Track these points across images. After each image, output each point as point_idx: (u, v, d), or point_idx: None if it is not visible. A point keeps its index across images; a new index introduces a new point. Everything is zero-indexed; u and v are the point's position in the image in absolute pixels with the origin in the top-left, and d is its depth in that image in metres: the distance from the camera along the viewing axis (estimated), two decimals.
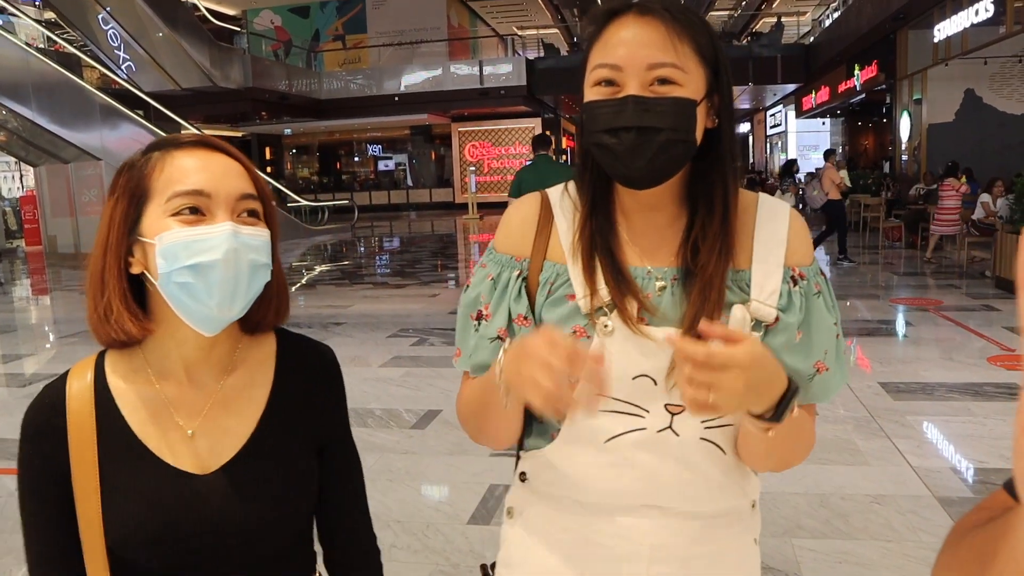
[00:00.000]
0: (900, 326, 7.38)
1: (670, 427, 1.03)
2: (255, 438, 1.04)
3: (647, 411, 1.03)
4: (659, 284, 1.05)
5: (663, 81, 0.98)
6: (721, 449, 1.06)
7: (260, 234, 0.99)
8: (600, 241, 1.07)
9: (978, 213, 10.70)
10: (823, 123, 27.34)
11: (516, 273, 1.10)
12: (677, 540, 1.08)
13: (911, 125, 16.38)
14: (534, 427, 1.14)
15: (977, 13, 12.14)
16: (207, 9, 23.61)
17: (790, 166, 13.78)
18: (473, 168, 26.97)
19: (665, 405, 1.03)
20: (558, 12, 30.97)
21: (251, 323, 1.08)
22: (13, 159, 19.72)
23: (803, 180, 12.27)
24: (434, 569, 3.03)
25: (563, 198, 1.14)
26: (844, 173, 12.75)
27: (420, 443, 4.41)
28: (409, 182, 30.91)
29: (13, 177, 21.72)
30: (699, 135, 1.02)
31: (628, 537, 1.08)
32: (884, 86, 17.64)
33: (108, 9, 18.28)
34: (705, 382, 0.84)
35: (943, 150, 15.07)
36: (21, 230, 19.55)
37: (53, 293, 12.13)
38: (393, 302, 9.72)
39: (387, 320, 8.25)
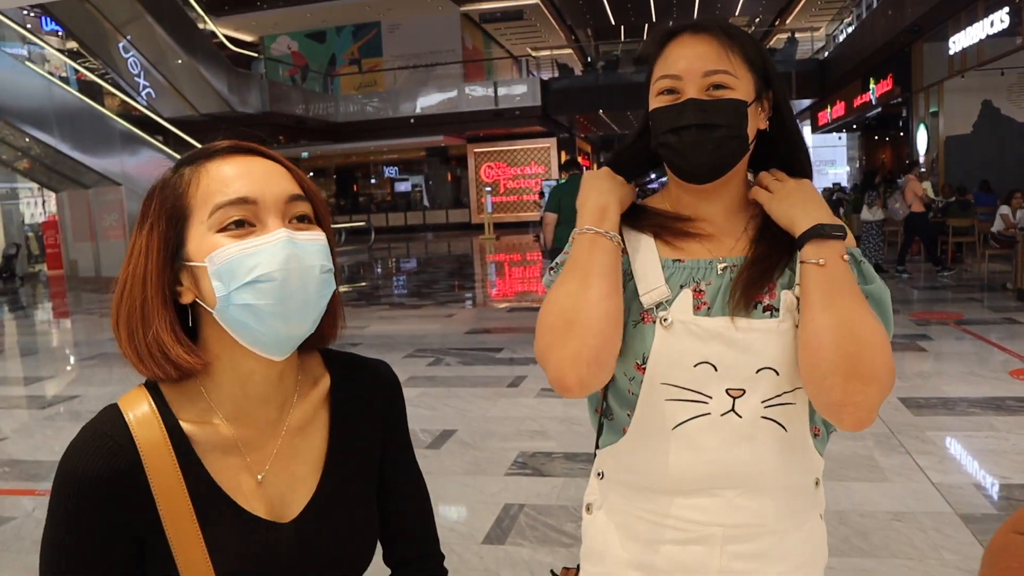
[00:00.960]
0: (921, 341, 7.30)
1: (732, 410, 1.10)
2: (325, 478, 0.97)
3: (710, 396, 1.10)
4: (720, 268, 1.14)
5: (718, 86, 1.11)
6: (783, 427, 1.11)
7: (318, 238, 0.89)
8: (647, 239, 1.18)
9: (997, 225, 10.59)
10: (839, 138, 27.26)
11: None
12: (748, 519, 1.13)
13: (928, 138, 16.30)
14: (605, 425, 1.21)
15: (992, 24, 12.10)
16: (225, 36, 23.95)
17: (872, 177, 13.38)
18: (489, 189, 27.08)
19: (726, 389, 1.09)
20: (572, 33, 31.16)
21: (310, 341, 0.96)
22: (36, 185, 20.01)
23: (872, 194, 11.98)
24: None
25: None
26: (927, 185, 12.55)
27: (436, 463, 4.40)
28: (425, 203, 31.06)
29: (36, 203, 22.04)
30: (751, 133, 1.14)
31: (701, 520, 1.14)
32: (900, 99, 17.59)
33: (129, 38, 18.61)
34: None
35: (961, 162, 14.98)
36: (43, 255, 19.82)
37: (74, 316, 12.26)
38: (410, 323, 9.74)
39: (403, 340, 8.26)
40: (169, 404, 0.90)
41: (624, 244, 1.17)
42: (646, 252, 1.17)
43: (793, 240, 1.11)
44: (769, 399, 1.09)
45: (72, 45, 20.00)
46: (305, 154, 29.55)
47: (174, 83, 19.54)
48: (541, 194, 22.67)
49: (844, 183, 25.56)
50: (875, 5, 17.77)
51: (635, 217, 1.21)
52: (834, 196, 22.18)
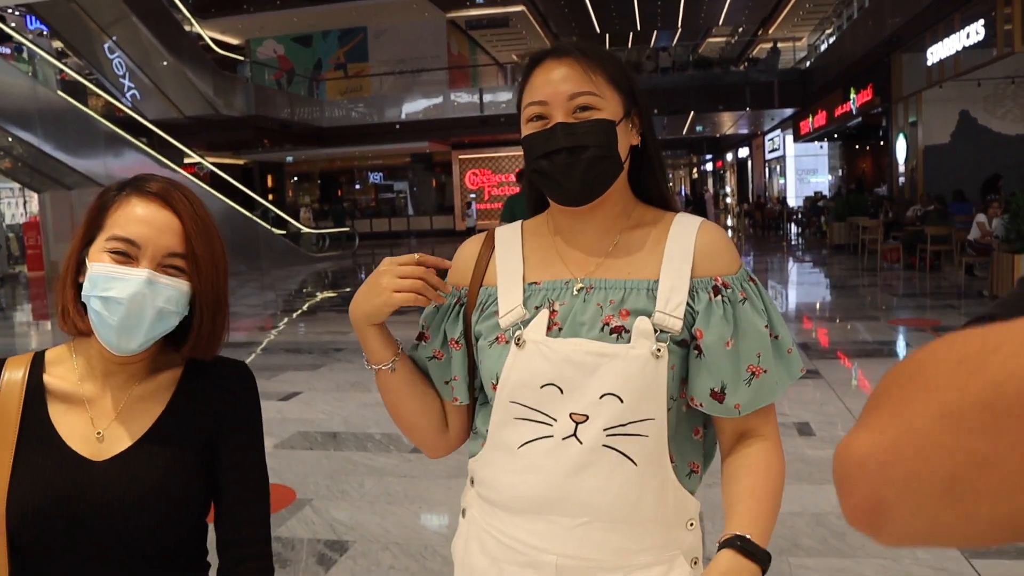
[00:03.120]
0: (899, 347, 7.41)
1: (574, 434, 1.10)
2: (148, 436, 1.15)
3: (555, 419, 1.11)
4: (576, 288, 1.15)
5: (584, 108, 1.13)
6: (631, 460, 1.09)
7: (176, 285, 1.11)
8: (517, 266, 1.21)
9: (974, 233, 10.75)
10: (821, 147, 27.50)
11: (454, 300, 1.24)
12: (583, 551, 1.11)
13: (907, 147, 16.51)
14: (473, 435, 1.26)
15: (968, 36, 12.29)
16: (211, 38, 23.87)
17: (995, 181, 12.81)
18: (473, 195, 27.10)
19: (570, 414, 1.10)
20: (557, 40, 31.29)
21: (185, 347, 1.19)
22: (17, 185, 19.85)
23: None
24: None
25: (510, 231, 1.27)
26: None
27: (419, 467, 4.42)
28: (410, 209, 31.05)
29: (17, 203, 21.85)
30: (623, 152, 1.16)
31: (537, 544, 1.13)
32: (880, 109, 17.79)
33: (114, 38, 18.53)
34: None
35: (940, 171, 15.18)
36: (24, 256, 19.64)
37: (54, 319, 12.15)
38: (393, 329, 9.66)
39: None
40: (45, 364, 1.17)
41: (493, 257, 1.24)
42: (511, 277, 1.20)
43: (657, 264, 1.14)
44: (612, 427, 1.08)
45: (57, 44, 19.86)
46: (290, 158, 29.46)
47: (159, 85, 19.46)
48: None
49: (825, 191, 25.81)
50: (855, 16, 18.00)
51: (510, 239, 1.25)
52: (819, 203, 22.45)
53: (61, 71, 17.61)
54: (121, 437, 1.14)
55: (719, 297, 1.11)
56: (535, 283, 1.18)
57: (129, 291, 1.07)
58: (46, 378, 1.15)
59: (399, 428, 1.31)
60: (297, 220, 22.67)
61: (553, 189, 1.15)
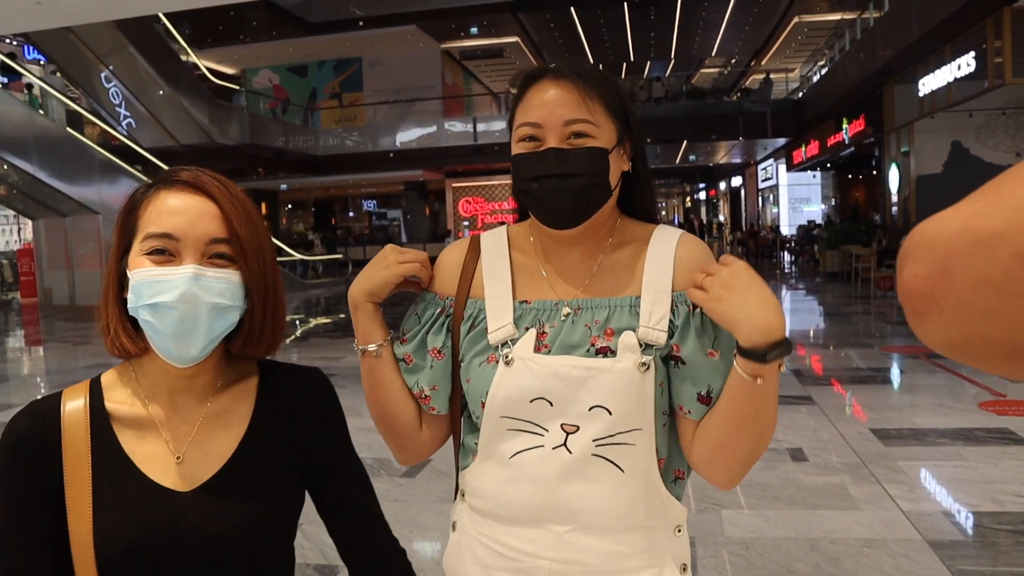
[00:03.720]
0: (893, 374, 7.40)
1: (564, 444, 1.11)
2: (233, 460, 1.07)
3: (546, 430, 1.12)
4: (564, 312, 1.16)
5: (578, 135, 1.12)
6: (619, 468, 1.11)
7: (226, 277, 1.02)
8: (506, 281, 1.21)
9: None
10: (814, 176, 27.69)
11: (439, 310, 1.24)
12: (576, 556, 1.13)
13: (900, 177, 16.63)
14: (463, 447, 1.25)
15: (959, 68, 12.45)
16: (207, 68, 24.05)
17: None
18: (467, 223, 27.16)
19: (561, 424, 1.11)
20: None
21: (234, 354, 1.11)
22: (12, 212, 19.84)
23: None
24: None
25: (495, 240, 1.26)
26: None
27: (410, 491, 4.39)
28: (404, 236, 31.10)
29: (11, 230, 21.84)
30: (614, 178, 1.16)
31: (530, 551, 1.14)
32: (872, 139, 17.96)
33: (111, 68, 18.65)
34: (717, 283, 1.04)
35: (932, 200, 15.27)
36: (17, 282, 19.59)
37: (47, 344, 12.11)
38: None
39: None
40: (103, 390, 1.07)
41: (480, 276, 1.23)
42: (500, 292, 1.20)
43: (639, 280, 1.15)
44: (601, 438, 1.10)
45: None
46: (284, 186, 29.55)
47: (155, 114, 19.56)
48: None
49: (818, 220, 25.94)
50: (847, 48, 18.23)
51: (496, 248, 1.25)
52: (814, 231, 22.54)
53: (67, 105, 17.71)
54: (203, 460, 1.06)
55: (697, 310, 1.11)
56: (525, 302, 1.19)
57: (177, 292, 0.97)
58: (108, 405, 1.06)
59: (376, 422, 1.28)
60: (292, 248, 22.68)
61: (540, 212, 1.15)
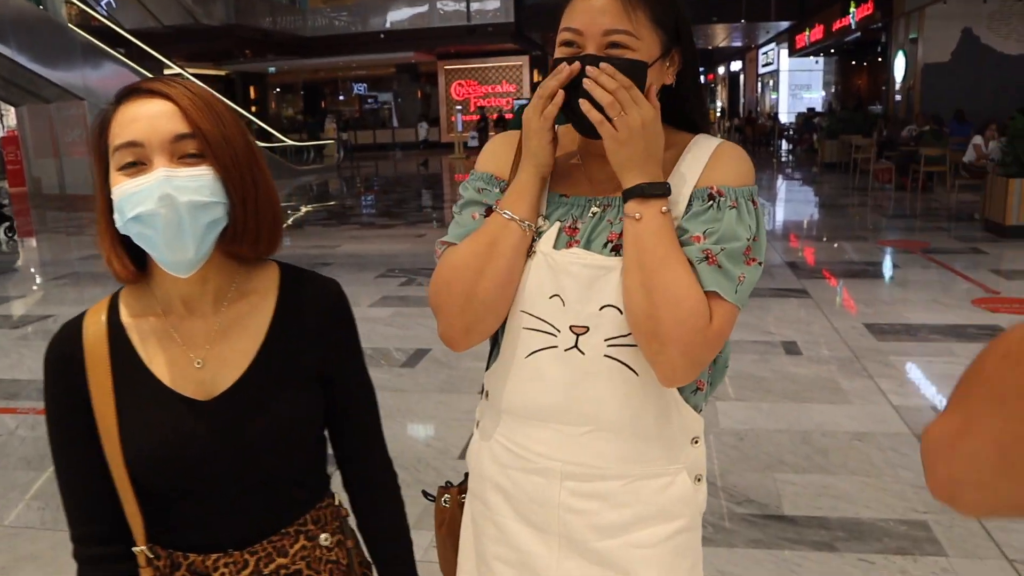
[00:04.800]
0: (887, 268, 7.45)
1: (575, 346, 1.11)
2: (255, 365, 1.09)
3: (558, 330, 1.12)
4: (593, 210, 1.16)
5: (616, 45, 1.09)
6: (632, 370, 1.11)
7: (199, 174, 1.00)
8: (546, 175, 1.17)
9: (969, 155, 10.70)
10: (816, 62, 27.04)
11: (496, 191, 1.21)
12: (587, 459, 1.14)
13: (906, 65, 16.24)
14: (492, 346, 1.24)
15: None
16: None
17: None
18: (459, 107, 26.62)
19: (570, 326, 1.11)
20: None
21: (236, 255, 1.10)
22: None
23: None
24: (426, 504, 3.09)
25: None
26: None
27: (411, 381, 4.47)
28: (395, 121, 30.52)
29: None
30: (654, 90, 1.12)
31: (542, 452, 1.16)
32: (880, 24, 17.42)
33: None
34: (614, 101, 1.05)
35: (938, 91, 14.98)
36: (4, 171, 19.26)
37: (39, 235, 12.03)
38: (380, 242, 9.70)
39: (375, 260, 8.26)
40: (121, 305, 1.11)
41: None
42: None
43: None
44: (612, 338, 1.10)
45: None
46: (272, 69, 28.73)
47: None
48: (512, 112, 22.36)
49: (819, 108, 25.49)
50: None
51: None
52: (814, 119, 22.17)
53: None
54: (222, 368, 1.08)
55: (710, 202, 1.10)
56: (564, 195, 1.18)
57: (153, 198, 0.97)
58: (125, 320, 1.09)
59: (470, 295, 1.14)
60: (282, 133, 22.26)
61: (573, 121, 1.13)
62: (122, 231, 1.01)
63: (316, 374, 1.13)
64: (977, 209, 9.61)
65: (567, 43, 1.12)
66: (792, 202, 13.27)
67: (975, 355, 0.56)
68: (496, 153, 1.25)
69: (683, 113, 1.20)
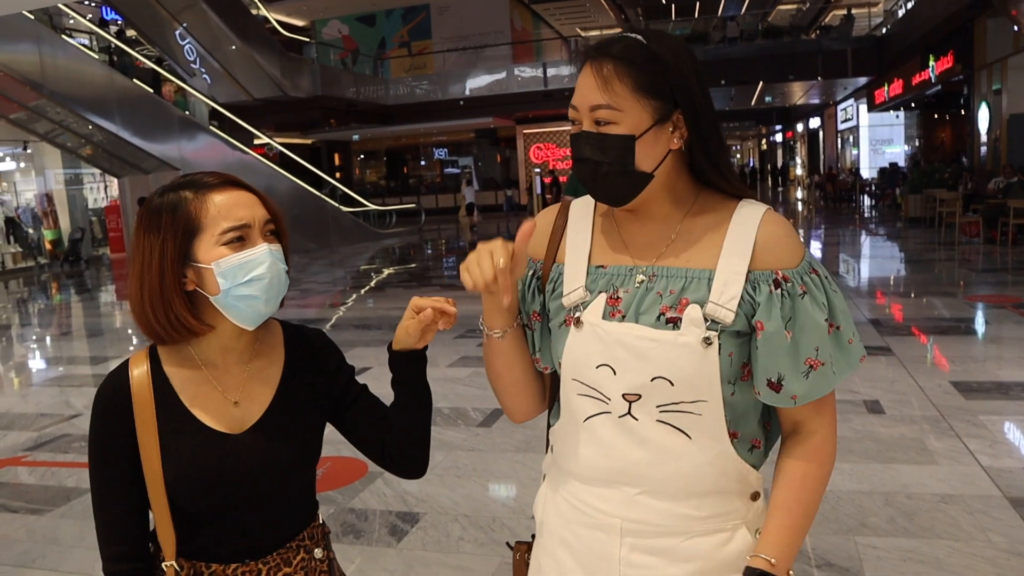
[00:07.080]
0: (977, 324, 7.18)
1: (629, 413, 1.15)
2: (274, 404, 1.31)
3: (609, 399, 1.16)
4: (639, 279, 1.18)
5: (600, 122, 1.13)
6: (685, 434, 1.14)
7: (280, 248, 1.28)
8: (584, 246, 1.25)
9: None
10: (896, 116, 26.53)
11: (531, 273, 1.29)
12: (647, 516, 1.18)
13: (990, 116, 15.82)
14: (554, 406, 1.31)
15: None
16: (277, 21, 24.27)
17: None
18: (538, 170, 27.03)
19: (623, 394, 1.15)
20: (622, 12, 30.82)
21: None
22: (99, 171, 20.63)
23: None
24: (500, 562, 3.12)
25: (583, 205, 1.30)
26: None
27: (487, 440, 4.51)
28: (476, 184, 31.14)
29: (98, 188, 22.70)
30: (655, 159, 1.15)
31: (604, 508, 1.20)
32: (961, 76, 17.07)
33: (184, 25, 19.00)
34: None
35: None
36: (106, 238, 20.45)
37: None
38: (460, 304, 9.73)
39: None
40: (160, 357, 1.30)
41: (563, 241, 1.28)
42: (577, 257, 1.24)
43: (717, 253, 1.15)
44: (664, 405, 1.13)
45: (131, 33, 20.47)
46: (356, 136, 29.83)
47: (229, 69, 19.91)
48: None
49: (901, 163, 24.92)
50: None
51: (583, 215, 1.28)
52: (902, 171, 21.59)
53: (136, 59, 18.15)
54: (250, 408, 1.29)
55: (779, 291, 1.12)
56: (601, 266, 1.21)
57: (265, 265, 1.22)
58: (167, 368, 1.29)
59: (497, 394, 1.36)
60: (365, 198, 22.98)
61: (588, 190, 1.21)
62: (223, 294, 1.22)
63: (323, 408, 1.37)
64: None
65: (574, 121, 1.18)
66: (876, 258, 12.95)
67: None
68: (536, 234, 1.28)
69: (704, 173, 1.19)
